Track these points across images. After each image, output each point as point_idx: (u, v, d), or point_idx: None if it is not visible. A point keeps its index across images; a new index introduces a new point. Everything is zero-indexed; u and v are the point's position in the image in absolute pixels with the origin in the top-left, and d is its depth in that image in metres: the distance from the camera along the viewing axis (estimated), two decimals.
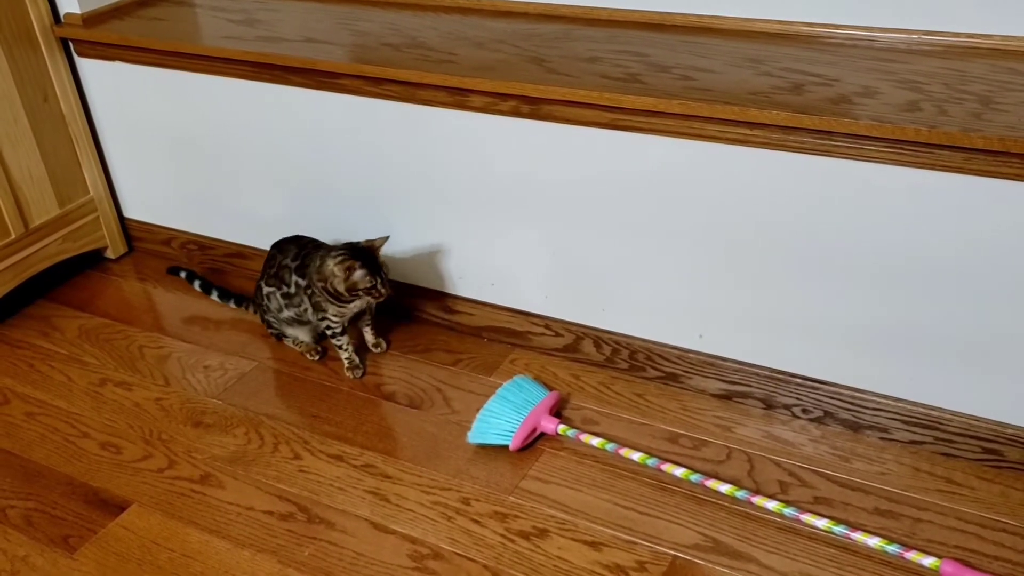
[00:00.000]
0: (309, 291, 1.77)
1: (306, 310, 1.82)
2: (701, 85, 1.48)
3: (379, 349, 1.92)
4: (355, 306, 1.78)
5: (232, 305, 2.08)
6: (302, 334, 1.91)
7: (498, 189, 1.76)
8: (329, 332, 1.82)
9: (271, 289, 1.85)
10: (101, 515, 1.59)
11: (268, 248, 1.91)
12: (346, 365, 1.86)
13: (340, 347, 1.84)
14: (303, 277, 1.79)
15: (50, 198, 2.13)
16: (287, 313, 1.86)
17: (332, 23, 1.88)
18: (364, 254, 1.72)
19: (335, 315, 1.78)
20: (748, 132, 1.45)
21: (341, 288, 1.71)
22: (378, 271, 1.72)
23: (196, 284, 2.13)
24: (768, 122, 1.41)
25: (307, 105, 1.85)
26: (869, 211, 1.45)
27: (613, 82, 1.52)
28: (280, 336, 1.94)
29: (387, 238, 1.78)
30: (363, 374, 1.86)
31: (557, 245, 1.76)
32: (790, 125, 1.40)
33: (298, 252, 1.82)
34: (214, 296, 2.10)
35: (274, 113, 1.91)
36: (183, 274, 2.16)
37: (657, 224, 1.64)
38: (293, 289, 1.81)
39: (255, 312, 1.99)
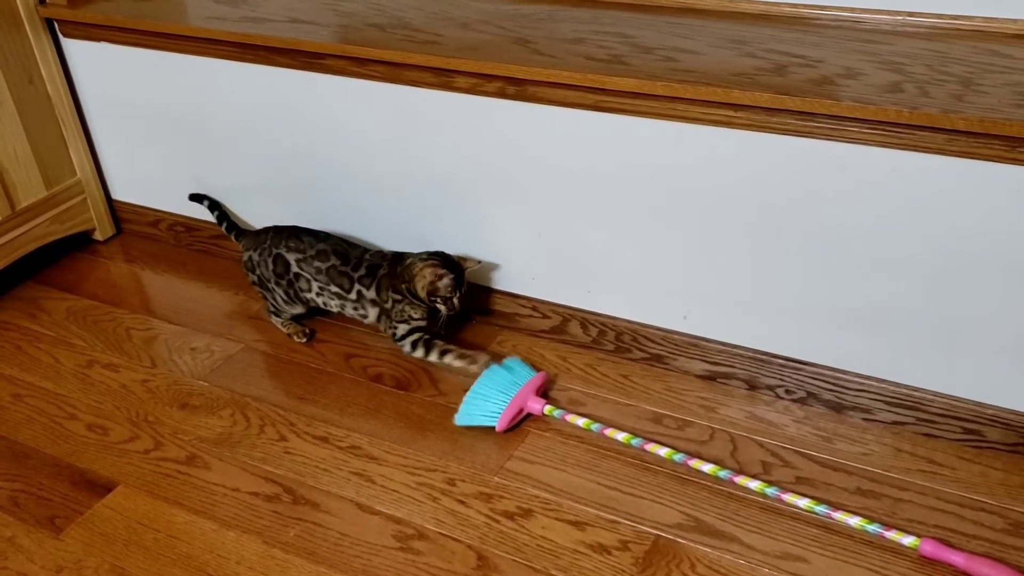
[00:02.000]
0: (387, 303, 1.79)
1: (363, 316, 1.83)
2: (684, 67, 1.48)
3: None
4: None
5: (235, 238, 2.04)
6: (298, 309, 1.91)
7: (484, 170, 1.76)
8: (421, 352, 1.79)
9: (306, 274, 1.84)
10: (87, 496, 1.60)
11: (255, 228, 1.91)
12: (465, 363, 1.77)
13: (444, 352, 1.79)
14: (368, 287, 1.80)
15: (37, 180, 2.12)
16: (314, 299, 1.85)
17: (318, 3, 1.87)
18: (452, 265, 1.75)
19: (419, 319, 1.78)
20: (731, 114, 1.45)
21: (422, 290, 1.74)
22: (461, 286, 1.75)
23: (215, 214, 2.08)
24: (751, 103, 1.41)
25: (292, 86, 1.85)
26: (852, 192, 1.46)
27: (597, 63, 1.52)
28: (273, 311, 1.94)
29: (479, 262, 1.82)
30: (488, 359, 1.77)
31: (543, 227, 1.76)
32: (773, 107, 1.40)
33: (347, 255, 1.82)
34: (223, 227, 2.06)
35: (259, 94, 1.91)
36: (206, 202, 2.10)
37: (642, 206, 1.64)
38: (354, 296, 1.81)
39: (247, 267, 1.94)
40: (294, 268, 1.84)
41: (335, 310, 1.87)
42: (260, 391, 1.80)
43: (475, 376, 1.71)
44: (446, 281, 1.72)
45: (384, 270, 1.79)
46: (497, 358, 1.77)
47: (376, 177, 1.89)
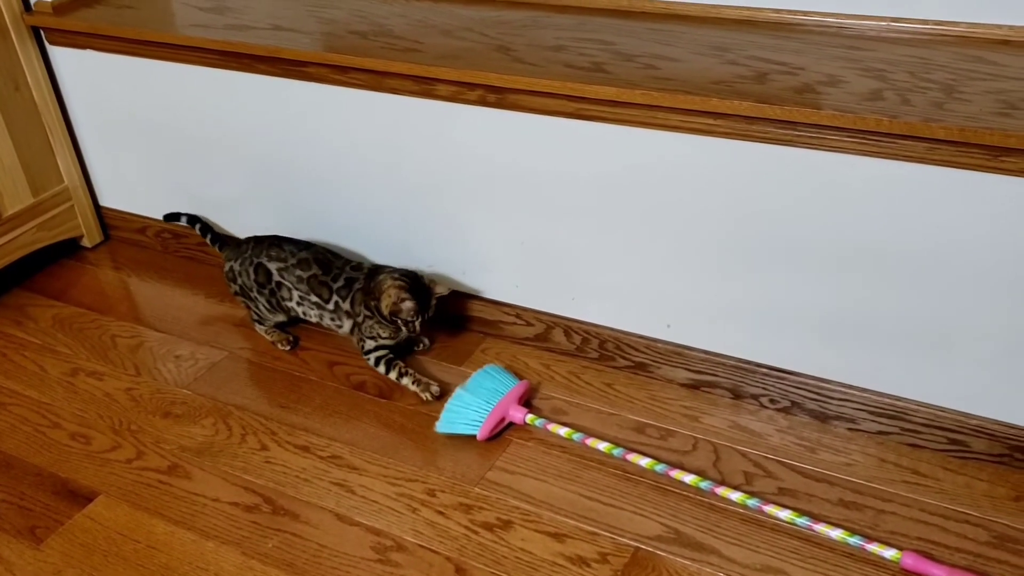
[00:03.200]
0: (359, 316, 1.79)
1: (339, 327, 1.83)
2: (664, 74, 1.47)
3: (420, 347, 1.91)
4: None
5: (218, 249, 2.03)
6: (280, 317, 1.91)
7: (466, 178, 1.75)
8: (384, 369, 1.79)
9: (287, 283, 1.83)
10: (68, 506, 1.59)
11: (239, 236, 1.90)
12: (418, 389, 1.76)
13: (399, 375, 1.79)
14: (344, 300, 1.80)
15: (23, 187, 2.12)
16: (295, 307, 1.85)
17: (301, 10, 1.86)
18: (421, 290, 1.74)
19: (387, 338, 1.78)
20: (711, 122, 1.43)
21: (385, 308, 1.73)
22: (425, 310, 1.74)
23: (197, 227, 2.08)
24: (730, 112, 1.39)
25: (275, 93, 1.84)
26: (834, 201, 1.44)
27: (577, 71, 1.51)
28: (256, 319, 1.93)
29: (449, 291, 1.80)
30: (440, 393, 1.76)
31: (526, 235, 1.75)
32: (753, 115, 1.38)
33: (328, 265, 1.82)
34: (208, 239, 2.05)
35: (243, 101, 1.90)
36: (183, 219, 2.10)
37: (624, 213, 1.63)
38: (332, 307, 1.81)
39: (228, 276, 1.93)
40: (276, 277, 1.84)
41: (314, 320, 1.86)
42: (243, 399, 1.79)
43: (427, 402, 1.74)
44: (408, 305, 1.71)
45: (359, 284, 1.79)
46: (447, 392, 1.72)
47: (358, 185, 1.88)
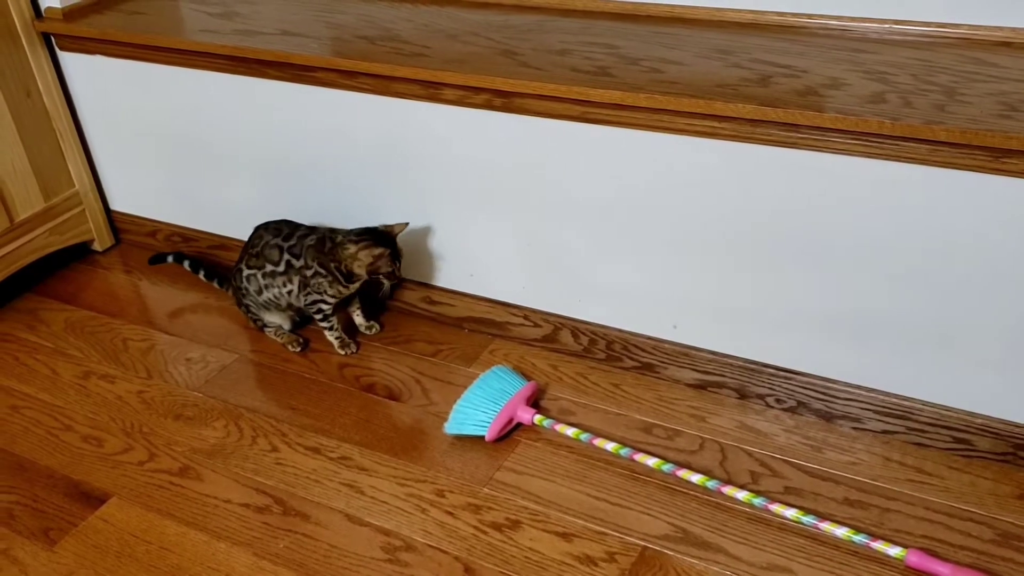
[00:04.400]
0: (309, 271, 1.80)
1: (290, 292, 1.84)
2: (669, 78, 1.48)
3: (372, 331, 1.96)
4: (354, 287, 1.83)
5: (216, 284, 2.10)
6: (280, 319, 1.93)
7: (474, 181, 1.76)
8: (319, 315, 1.86)
9: (252, 271, 1.87)
10: (81, 508, 1.61)
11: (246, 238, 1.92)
12: (337, 345, 1.90)
13: (330, 327, 1.88)
14: (298, 257, 1.82)
15: (35, 192, 2.14)
16: (265, 295, 1.88)
17: (309, 15, 1.88)
18: (384, 239, 1.77)
19: (332, 296, 1.82)
20: (716, 125, 1.45)
21: (361, 271, 1.77)
22: (397, 256, 1.79)
23: (186, 264, 2.14)
24: (734, 115, 1.41)
25: (284, 98, 1.86)
26: (837, 203, 1.46)
27: (582, 75, 1.53)
28: (262, 325, 1.96)
29: (406, 224, 1.82)
30: (357, 349, 1.90)
31: (533, 236, 1.77)
32: (756, 118, 1.40)
33: (291, 232, 1.85)
34: (201, 275, 2.11)
35: (252, 106, 1.92)
36: (170, 258, 2.15)
37: (631, 215, 1.64)
38: (282, 268, 1.83)
39: (232, 294, 1.99)
40: (245, 271, 1.89)
41: (284, 301, 1.88)
42: (253, 402, 1.81)
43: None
44: (383, 256, 1.76)
45: (311, 240, 1.82)
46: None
47: (365, 188, 1.90)
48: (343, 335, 1.90)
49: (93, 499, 1.63)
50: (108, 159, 2.26)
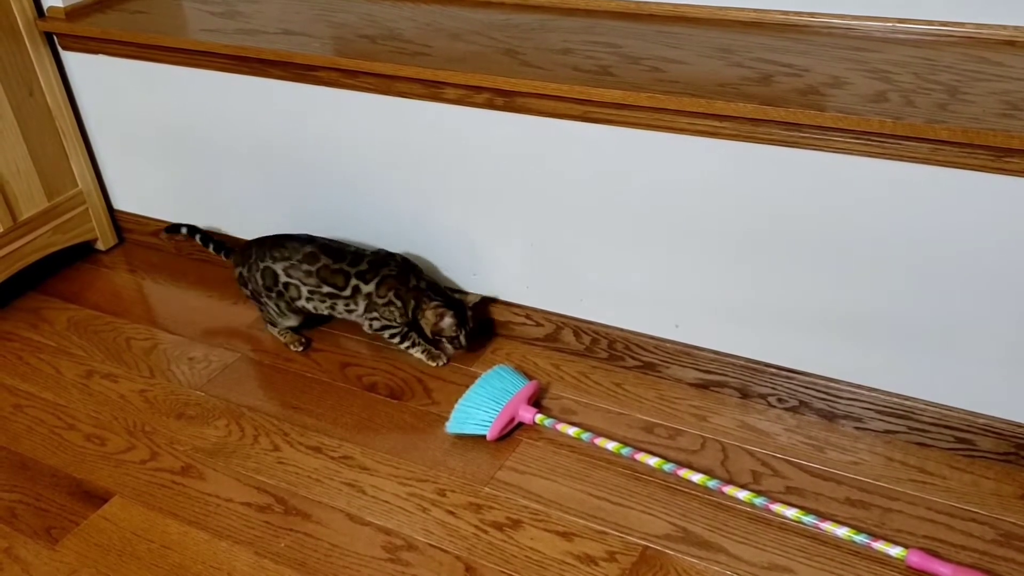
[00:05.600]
0: (382, 299, 1.80)
1: (351, 310, 1.85)
2: (670, 77, 1.48)
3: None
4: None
5: (224, 257, 2.05)
6: (294, 321, 1.93)
7: (475, 181, 1.76)
8: (395, 339, 1.87)
9: (295, 282, 1.84)
10: (84, 507, 1.62)
11: (249, 238, 1.92)
12: (425, 359, 1.87)
13: (410, 345, 1.88)
14: (367, 282, 1.81)
15: (38, 191, 2.14)
16: (304, 304, 1.86)
17: (311, 14, 1.88)
18: (456, 305, 1.79)
19: (400, 322, 1.84)
20: (717, 124, 1.44)
21: (426, 328, 1.80)
22: (465, 324, 1.80)
23: (197, 237, 2.08)
24: (735, 114, 1.40)
25: (286, 97, 1.86)
26: (839, 202, 1.45)
27: (584, 75, 1.52)
28: (270, 321, 1.95)
29: (480, 297, 1.85)
30: (448, 360, 1.87)
31: (535, 236, 1.77)
32: (757, 117, 1.39)
33: (356, 257, 1.83)
34: (210, 248, 2.06)
35: (254, 105, 1.92)
36: (184, 230, 2.09)
37: (632, 215, 1.64)
38: (348, 292, 1.82)
39: (241, 280, 1.95)
40: (283, 278, 1.85)
41: (325, 312, 1.88)
42: (255, 401, 1.81)
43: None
44: (449, 321, 1.77)
45: (392, 271, 1.80)
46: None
47: (367, 188, 1.90)
48: (429, 347, 1.87)
49: (95, 498, 1.63)
50: (111, 158, 2.26)
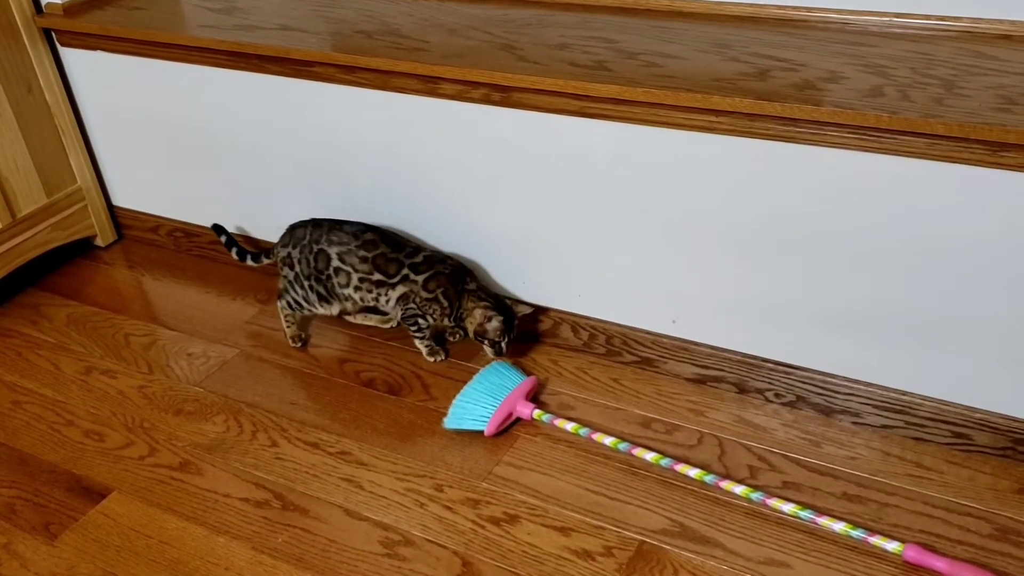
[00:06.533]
0: (428, 293, 1.80)
1: (388, 301, 1.84)
2: (667, 72, 1.48)
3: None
4: (455, 331, 1.92)
5: (259, 261, 2.01)
6: (328, 309, 1.90)
7: (472, 176, 1.76)
8: (415, 328, 1.86)
9: (347, 267, 1.82)
10: (82, 502, 1.62)
11: (248, 230, 1.92)
12: (425, 352, 1.88)
13: (422, 337, 1.87)
14: (419, 273, 1.80)
15: (37, 188, 2.15)
16: (350, 293, 1.84)
17: (308, 10, 1.88)
18: (505, 310, 1.79)
19: (434, 321, 1.84)
20: (713, 119, 1.44)
21: (470, 327, 1.81)
22: (511, 330, 1.79)
23: (233, 251, 2.04)
24: (732, 109, 1.40)
25: (284, 93, 1.86)
26: (836, 196, 1.45)
27: (581, 70, 1.52)
28: (296, 305, 1.90)
29: (531, 309, 1.84)
30: (446, 356, 1.89)
31: (532, 231, 1.77)
32: (753, 112, 1.39)
33: (414, 250, 1.82)
34: (248, 261, 2.02)
35: (252, 101, 1.92)
36: (223, 238, 2.06)
37: (629, 210, 1.64)
38: (396, 280, 1.81)
39: (283, 266, 1.90)
40: (335, 262, 1.82)
41: (369, 303, 1.86)
42: (254, 396, 1.81)
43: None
44: (495, 324, 1.77)
45: (446, 270, 1.80)
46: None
47: (364, 183, 1.90)
48: (432, 343, 1.87)
49: (94, 493, 1.63)
50: (110, 155, 2.26)
